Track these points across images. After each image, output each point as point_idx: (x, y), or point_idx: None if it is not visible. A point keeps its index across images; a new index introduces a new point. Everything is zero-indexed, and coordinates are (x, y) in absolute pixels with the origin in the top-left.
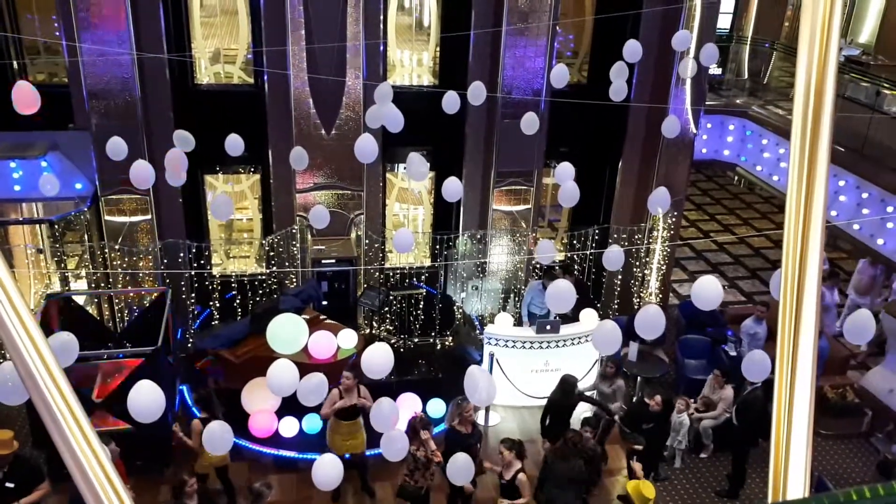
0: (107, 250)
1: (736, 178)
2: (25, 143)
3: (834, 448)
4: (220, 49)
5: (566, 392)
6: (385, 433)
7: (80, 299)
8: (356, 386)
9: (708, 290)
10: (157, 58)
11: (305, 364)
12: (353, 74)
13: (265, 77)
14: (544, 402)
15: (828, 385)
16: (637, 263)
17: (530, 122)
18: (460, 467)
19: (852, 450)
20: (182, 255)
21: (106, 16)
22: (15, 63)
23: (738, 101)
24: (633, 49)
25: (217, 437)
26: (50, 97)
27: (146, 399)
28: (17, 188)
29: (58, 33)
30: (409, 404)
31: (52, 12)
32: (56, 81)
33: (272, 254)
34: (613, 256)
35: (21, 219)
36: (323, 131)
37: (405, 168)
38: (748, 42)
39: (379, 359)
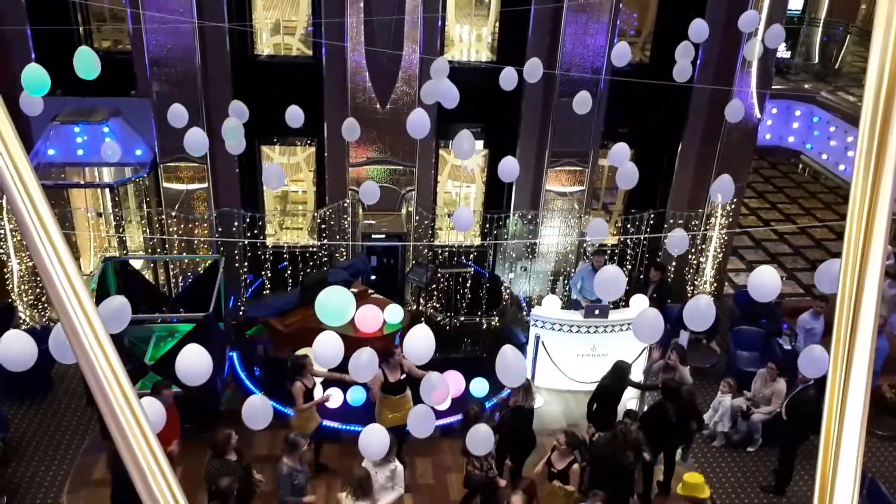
0: (164, 216)
1: (801, 166)
2: (89, 108)
3: (890, 449)
4: (280, 20)
5: (618, 378)
6: (412, 410)
7: (136, 264)
8: (401, 362)
9: (765, 282)
10: (218, 27)
11: (352, 337)
12: (410, 48)
13: (323, 49)
14: (589, 387)
15: (886, 384)
16: (693, 251)
17: (583, 102)
18: (479, 437)
19: None
20: (236, 224)
21: None
22: (81, 29)
23: (806, 86)
24: (699, 28)
25: (259, 410)
26: (113, 64)
27: (194, 362)
28: (80, 152)
29: (125, 1)
30: (452, 382)
31: None
32: (120, 49)
33: (324, 226)
34: (677, 241)
35: (82, 182)
36: (378, 105)
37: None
38: (821, 24)
39: (420, 343)
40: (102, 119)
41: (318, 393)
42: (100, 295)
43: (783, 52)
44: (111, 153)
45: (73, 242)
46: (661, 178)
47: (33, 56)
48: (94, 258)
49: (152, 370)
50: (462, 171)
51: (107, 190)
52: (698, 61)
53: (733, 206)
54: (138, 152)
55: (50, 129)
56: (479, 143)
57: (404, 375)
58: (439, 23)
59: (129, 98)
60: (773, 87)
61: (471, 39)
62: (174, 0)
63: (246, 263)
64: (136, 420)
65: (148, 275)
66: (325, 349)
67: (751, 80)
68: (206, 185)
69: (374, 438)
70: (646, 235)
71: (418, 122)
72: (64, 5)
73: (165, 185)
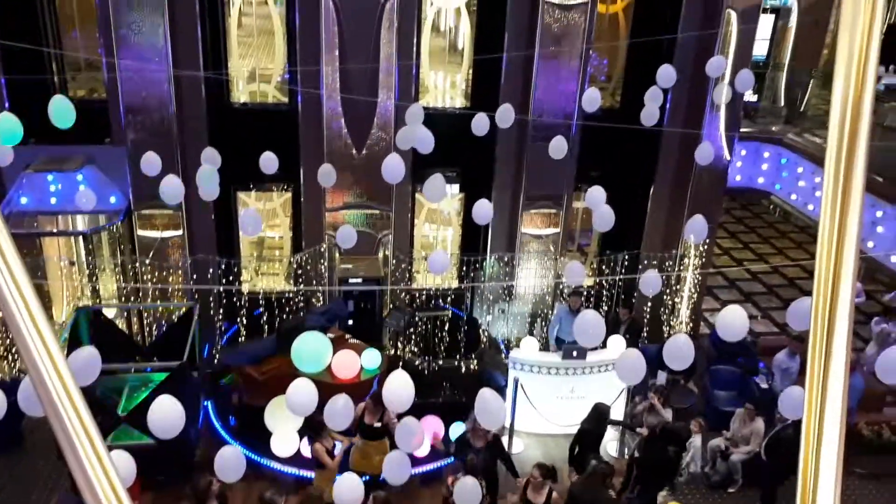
0: (138, 264)
1: (771, 206)
2: (62, 156)
3: (869, 487)
4: (255, 68)
5: (599, 420)
6: (387, 457)
7: (109, 312)
8: (381, 410)
9: (733, 321)
10: (193, 76)
11: (329, 384)
12: (386, 95)
13: (299, 97)
14: (569, 430)
15: (863, 422)
16: (668, 291)
17: (558, 147)
18: (468, 491)
19: (889, 489)
20: (211, 271)
21: (145, 34)
22: (56, 78)
23: (773, 129)
24: (666, 74)
25: (232, 461)
26: (88, 112)
27: (166, 414)
28: (53, 201)
29: (100, 50)
30: (432, 427)
31: (96, 29)
32: (96, 97)
33: (300, 272)
34: (650, 281)
35: (55, 230)
36: (354, 151)
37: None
38: (785, 69)
39: (400, 390)
40: (76, 167)
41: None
42: (72, 345)
43: (750, 96)
44: (86, 201)
45: (45, 292)
46: (634, 220)
47: (7, 105)
48: (66, 307)
49: (126, 421)
50: (438, 215)
51: (80, 238)
52: (667, 105)
53: (706, 247)
54: (112, 199)
55: (23, 177)
56: (455, 187)
57: (380, 423)
58: (414, 70)
59: (103, 146)
60: (741, 129)
61: (445, 86)
62: (150, 49)
63: (221, 310)
64: (107, 475)
65: (121, 324)
66: (299, 397)
67: (719, 124)
68: (180, 231)
69: (348, 488)
70: (620, 276)
71: (393, 167)
72: (38, 55)
73: (140, 232)
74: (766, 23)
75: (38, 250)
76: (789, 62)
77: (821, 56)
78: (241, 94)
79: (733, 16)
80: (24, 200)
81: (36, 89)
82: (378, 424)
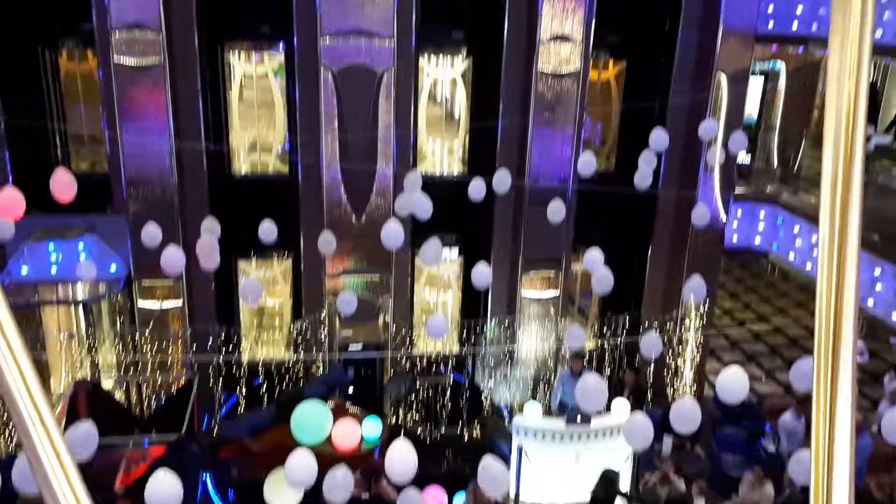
0: (137, 335)
1: (769, 266)
2: (63, 225)
3: None
4: (256, 139)
5: (608, 487)
6: None
7: (108, 384)
8: (369, 481)
9: (733, 382)
10: (195, 147)
11: (329, 454)
12: (384, 163)
13: (299, 166)
14: (577, 498)
15: (873, 482)
16: (670, 353)
17: (556, 211)
18: None
19: None
20: (211, 340)
21: (147, 107)
22: (59, 152)
23: (768, 189)
24: (659, 138)
25: None
26: (90, 183)
27: (164, 490)
28: (53, 270)
29: (102, 122)
30: (434, 499)
31: (100, 104)
32: (98, 170)
33: (300, 339)
34: (651, 343)
35: (55, 300)
36: (353, 218)
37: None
38: (776, 130)
39: (402, 462)
40: (77, 236)
41: None
42: (70, 418)
43: (743, 158)
44: (86, 272)
45: (43, 363)
46: (633, 282)
47: (10, 179)
48: (65, 379)
49: (123, 497)
50: (438, 279)
51: (80, 307)
52: (662, 168)
53: (706, 308)
54: (113, 268)
55: (23, 247)
56: (454, 252)
57: (367, 495)
58: (411, 138)
59: (104, 215)
60: (735, 190)
61: (442, 153)
62: (152, 122)
63: (220, 380)
64: None
65: (120, 395)
66: (298, 468)
67: (714, 185)
68: (180, 302)
69: None
70: (621, 339)
71: (392, 233)
72: (42, 129)
73: (140, 303)
74: (756, 85)
75: (37, 321)
76: (780, 123)
77: (811, 117)
78: (242, 164)
79: (723, 79)
80: (24, 270)
81: (39, 161)
82: (366, 496)
